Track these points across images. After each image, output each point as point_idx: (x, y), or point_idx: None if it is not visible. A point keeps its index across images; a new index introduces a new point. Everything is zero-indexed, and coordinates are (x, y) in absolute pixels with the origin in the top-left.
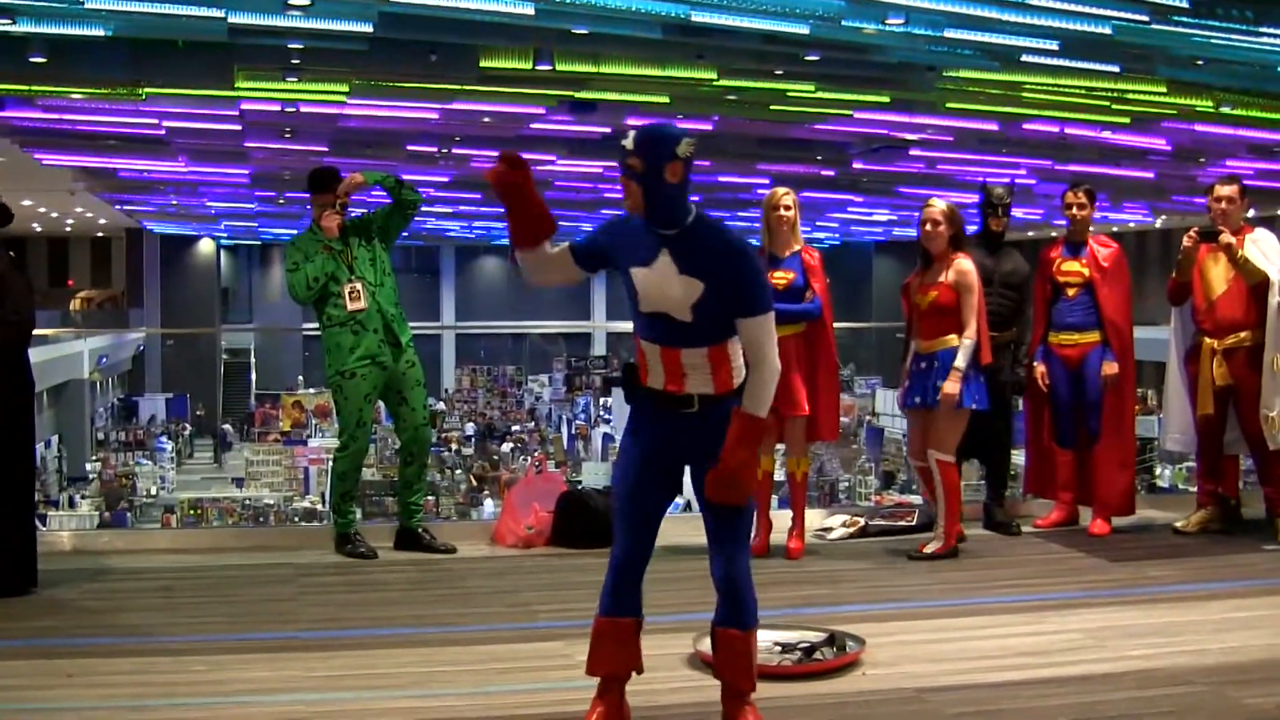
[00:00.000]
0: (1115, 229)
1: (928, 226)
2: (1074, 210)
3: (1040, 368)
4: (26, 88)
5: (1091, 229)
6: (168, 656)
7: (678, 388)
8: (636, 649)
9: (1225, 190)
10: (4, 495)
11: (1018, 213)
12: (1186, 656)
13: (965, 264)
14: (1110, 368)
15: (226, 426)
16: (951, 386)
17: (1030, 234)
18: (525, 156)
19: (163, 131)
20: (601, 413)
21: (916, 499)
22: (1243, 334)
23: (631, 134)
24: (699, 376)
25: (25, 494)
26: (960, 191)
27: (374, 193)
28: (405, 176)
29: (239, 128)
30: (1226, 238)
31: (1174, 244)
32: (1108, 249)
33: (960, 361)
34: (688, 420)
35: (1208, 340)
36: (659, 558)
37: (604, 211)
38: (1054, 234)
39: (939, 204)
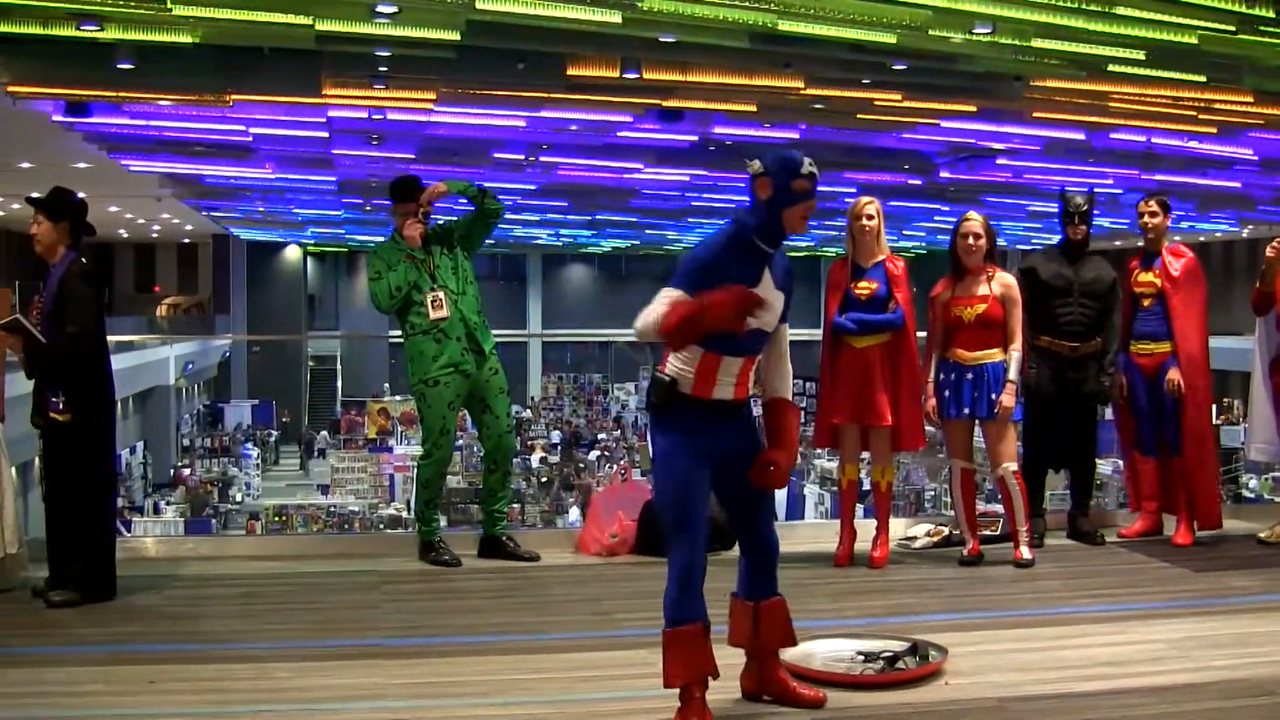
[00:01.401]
0: (1202, 239)
1: (970, 240)
2: (1146, 219)
3: (1120, 378)
4: (114, 94)
5: (1175, 239)
6: (249, 663)
7: (742, 395)
8: (711, 653)
9: None
10: (84, 503)
11: (1104, 222)
12: (1270, 667)
13: (1008, 277)
14: (1174, 374)
15: (322, 433)
16: (1009, 400)
17: (1118, 243)
18: (612, 163)
19: (250, 138)
20: None
21: (1000, 508)
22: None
23: (807, 161)
24: (749, 381)
25: (105, 502)
26: (1047, 201)
27: (458, 201)
28: (491, 184)
29: (326, 135)
30: None
31: (1260, 253)
32: (1180, 259)
33: (1013, 374)
34: (738, 423)
35: None
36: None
37: (690, 220)
38: (1139, 243)
39: (977, 217)
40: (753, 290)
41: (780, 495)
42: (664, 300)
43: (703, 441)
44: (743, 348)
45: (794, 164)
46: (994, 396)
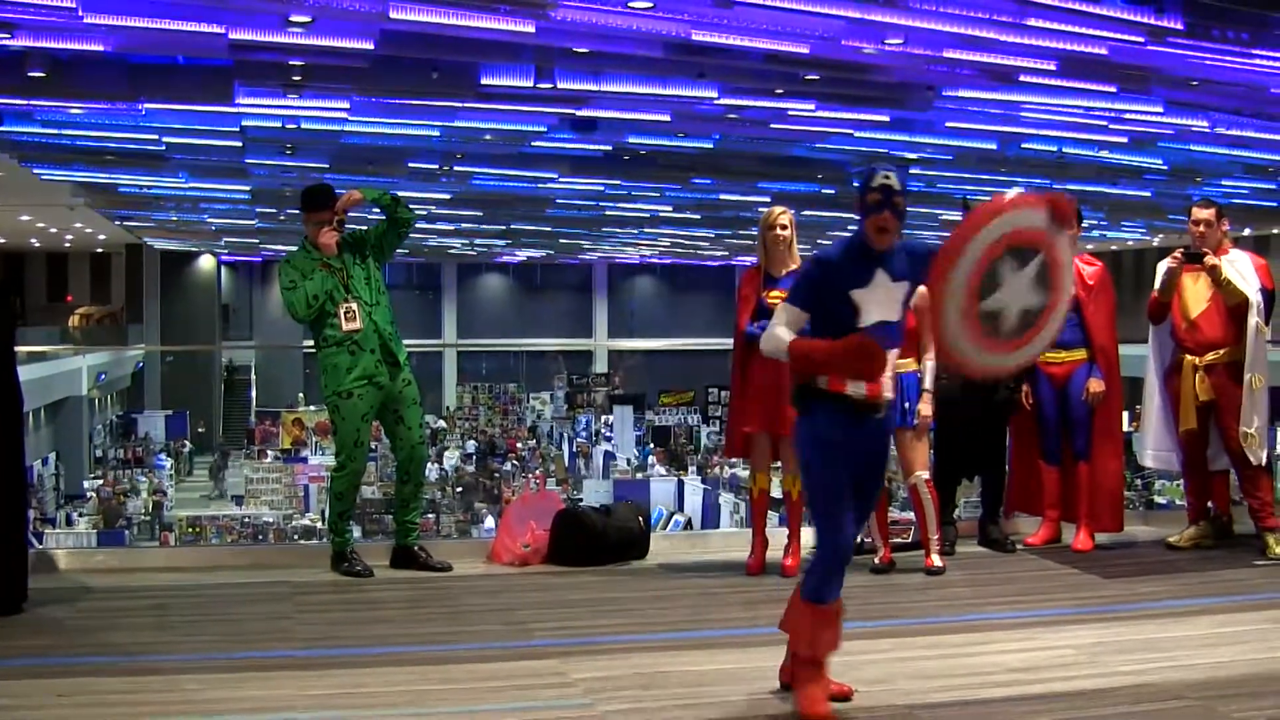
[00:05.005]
0: (1114, 247)
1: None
2: None
3: (1025, 387)
4: (25, 102)
5: (1085, 247)
6: (160, 675)
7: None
8: (840, 631)
9: (1203, 214)
10: None
11: None
12: (1177, 671)
13: (922, 287)
14: (1097, 385)
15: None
16: (927, 409)
17: None
18: (526, 173)
19: (163, 147)
20: (603, 430)
21: (911, 515)
22: (1222, 351)
23: (894, 173)
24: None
25: (15, 514)
26: (959, 210)
27: (371, 210)
28: (405, 193)
29: (240, 144)
30: (1211, 259)
31: (1153, 267)
32: (1092, 267)
33: (929, 383)
34: (874, 422)
35: (1189, 357)
36: (659, 575)
37: (605, 230)
38: None
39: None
40: (871, 341)
41: (696, 503)
42: (784, 319)
43: (853, 436)
44: (879, 341)
45: (867, 178)
46: (908, 405)
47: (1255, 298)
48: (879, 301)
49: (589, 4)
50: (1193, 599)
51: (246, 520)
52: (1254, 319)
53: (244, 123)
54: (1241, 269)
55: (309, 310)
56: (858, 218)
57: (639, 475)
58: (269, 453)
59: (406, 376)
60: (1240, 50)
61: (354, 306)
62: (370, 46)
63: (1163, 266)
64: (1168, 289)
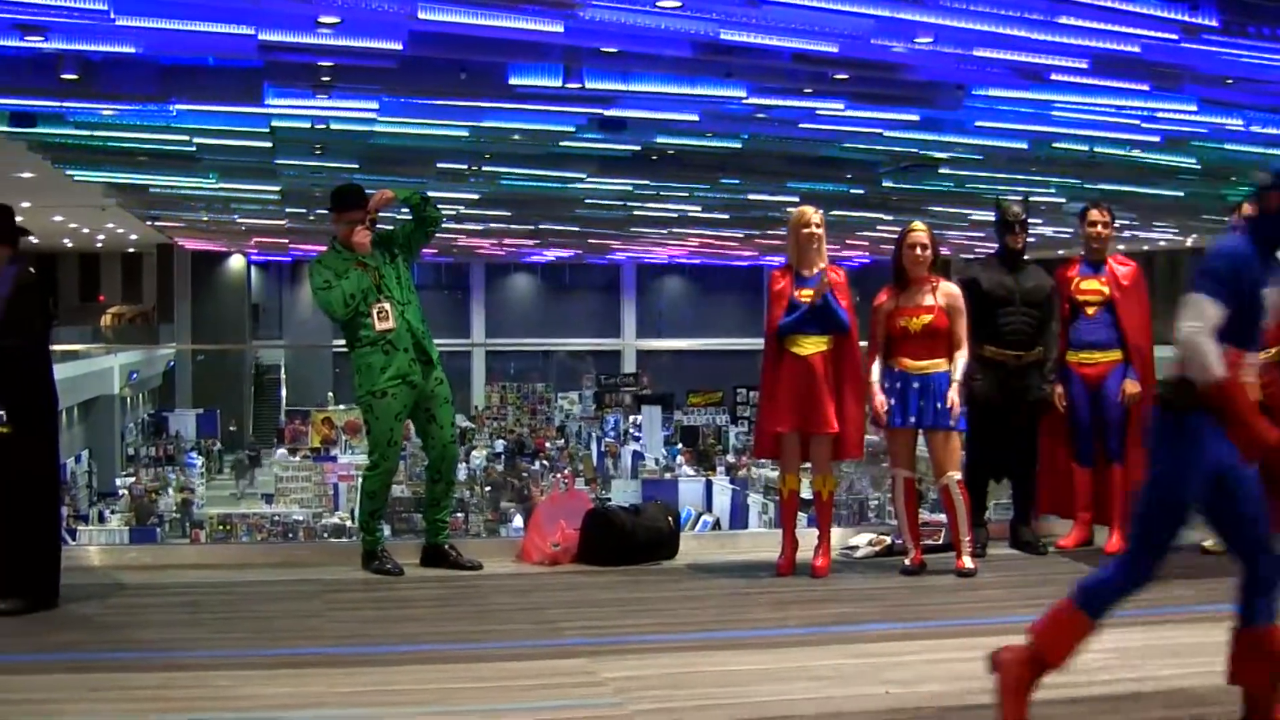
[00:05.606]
0: (1145, 248)
1: (917, 250)
2: (1100, 229)
3: (1058, 388)
4: (57, 104)
5: (1118, 248)
6: (190, 671)
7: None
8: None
9: (1237, 216)
10: (27, 513)
11: (1047, 231)
12: (1212, 676)
13: (951, 287)
14: (1133, 386)
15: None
16: (955, 395)
17: (1060, 252)
18: (555, 173)
19: (193, 147)
20: (632, 430)
21: (942, 517)
22: (1274, 350)
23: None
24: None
25: (49, 511)
26: (989, 210)
27: (399, 211)
28: (434, 194)
29: (269, 144)
30: None
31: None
32: (1126, 267)
33: (958, 373)
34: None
35: None
36: (688, 575)
37: (633, 230)
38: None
39: (923, 227)
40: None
41: (724, 504)
42: (1209, 321)
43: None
44: (1256, 343)
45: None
46: (939, 405)
47: None
48: (1274, 305)
49: (617, 3)
50: (1227, 603)
51: (277, 519)
52: None
53: (274, 123)
54: None
55: (346, 309)
56: (1258, 219)
57: (667, 475)
58: (297, 452)
59: (439, 375)
60: (1276, 48)
61: (387, 306)
62: (399, 47)
63: None
64: None
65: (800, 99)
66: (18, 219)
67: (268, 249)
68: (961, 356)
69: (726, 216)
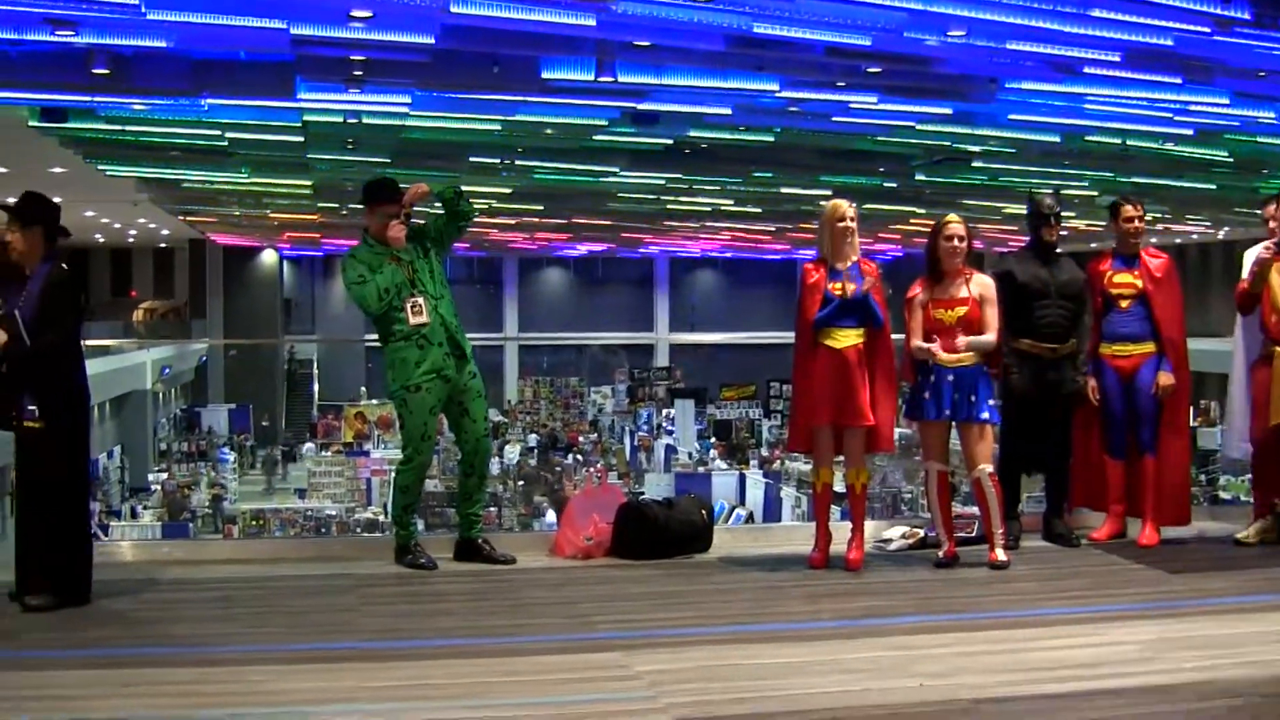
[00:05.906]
0: (1178, 240)
1: (954, 242)
2: (1135, 223)
3: (1091, 381)
4: (89, 99)
5: (1150, 241)
6: (224, 666)
7: None
8: None
9: (1271, 208)
10: (59, 508)
11: (1080, 224)
12: (1244, 669)
13: (985, 278)
14: (1167, 378)
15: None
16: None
17: (1093, 245)
18: (587, 167)
19: (225, 142)
20: (664, 424)
21: (975, 510)
22: None
23: None
24: None
25: (80, 507)
26: (1022, 204)
27: (433, 204)
28: (467, 188)
29: (301, 139)
30: None
31: (1238, 255)
32: (1158, 260)
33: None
34: None
35: (1279, 349)
36: (721, 569)
37: (666, 224)
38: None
39: (958, 219)
40: None
41: (757, 497)
42: None
43: None
44: None
45: None
46: (973, 399)
47: None
48: None
49: None
50: (1260, 595)
51: (309, 514)
52: None
53: (306, 118)
54: None
55: (381, 304)
56: None
57: (700, 469)
58: (328, 448)
59: (472, 369)
60: None
61: (420, 300)
62: (431, 41)
63: (1250, 257)
64: (1258, 280)
65: (833, 92)
66: (59, 217)
67: (300, 243)
68: (991, 335)
69: (759, 210)
